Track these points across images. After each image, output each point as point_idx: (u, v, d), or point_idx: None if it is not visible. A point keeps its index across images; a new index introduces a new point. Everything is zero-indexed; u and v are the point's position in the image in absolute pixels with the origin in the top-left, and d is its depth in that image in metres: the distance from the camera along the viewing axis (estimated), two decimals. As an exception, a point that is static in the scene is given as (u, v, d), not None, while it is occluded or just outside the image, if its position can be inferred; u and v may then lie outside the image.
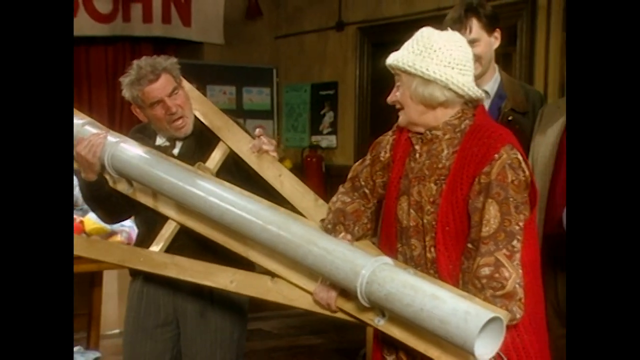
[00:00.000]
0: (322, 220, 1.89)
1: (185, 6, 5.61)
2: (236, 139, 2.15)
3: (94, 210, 2.36)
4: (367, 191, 1.87)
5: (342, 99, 5.64)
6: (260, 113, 5.79)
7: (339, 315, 1.82)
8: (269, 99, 5.94)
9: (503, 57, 5.68)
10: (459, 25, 2.25)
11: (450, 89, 1.69)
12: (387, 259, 1.71)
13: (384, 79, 6.29)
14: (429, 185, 1.71)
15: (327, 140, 5.72)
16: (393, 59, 1.74)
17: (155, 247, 2.14)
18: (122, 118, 5.47)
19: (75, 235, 2.32)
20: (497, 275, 1.57)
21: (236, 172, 2.15)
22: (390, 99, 1.77)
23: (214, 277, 2.01)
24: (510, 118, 2.30)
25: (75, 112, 2.30)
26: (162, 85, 2.10)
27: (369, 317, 1.73)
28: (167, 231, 2.15)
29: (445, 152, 1.72)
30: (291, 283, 1.90)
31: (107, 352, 4.14)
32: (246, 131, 2.18)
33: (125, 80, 2.12)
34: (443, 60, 1.69)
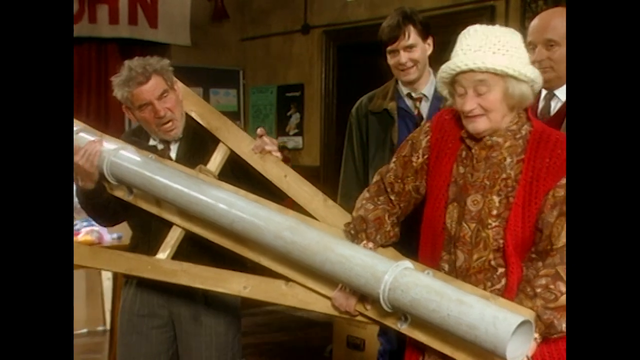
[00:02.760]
0: (347, 225, 1.83)
1: (152, 8, 5.62)
2: (236, 140, 2.08)
3: (91, 216, 2.30)
4: (392, 197, 1.79)
5: (308, 100, 5.72)
6: (227, 114, 5.74)
7: (359, 318, 1.79)
8: (235, 100, 5.99)
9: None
10: (398, 31, 2.39)
11: (533, 88, 1.64)
12: (408, 264, 1.66)
13: (350, 81, 6.33)
14: (490, 197, 1.62)
15: (293, 142, 5.79)
16: (481, 63, 1.59)
17: (162, 255, 2.09)
18: (87, 120, 5.44)
19: (79, 245, 2.21)
20: (552, 286, 1.54)
21: (232, 173, 2.11)
22: (470, 106, 1.63)
23: (226, 283, 1.96)
24: None
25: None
26: (151, 87, 2.05)
27: (391, 321, 1.70)
28: (173, 238, 2.09)
29: (509, 160, 1.64)
30: (307, 288, 1.85)
31: (76, 351, 4.13)
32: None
33: (115, 80, 2.08)
34: (524, 59, 1.64)
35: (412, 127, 2.49)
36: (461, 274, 1.65)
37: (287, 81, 5.87)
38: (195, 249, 2.10)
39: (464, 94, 1.65)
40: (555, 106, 2.17)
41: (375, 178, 1.85)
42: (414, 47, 2.41)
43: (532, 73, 1.63)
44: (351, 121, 2.62)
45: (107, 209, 2.21)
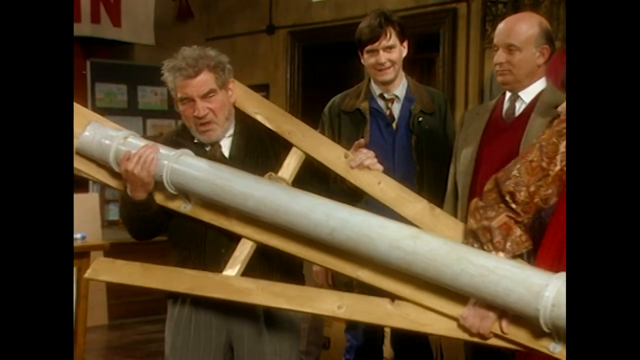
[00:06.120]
0: (464, 241, 1.63)
1: (115, 6, 5.57)
2: (315, 144, 1.90)
3: (131, 229, 2.03)
4: (513, 206, 1.56)
5: (273, 100, 5.65)
6: (191, 114, 5.80)
7: (492, 341, 1.56)
8: (200, 100, 5.96)
9: (427, 63, 5.94)
10: (379, 31, 2.44)
11: None
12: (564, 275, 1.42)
13: (315, 81, 6.35)
14: None
15: (258, 141, 5.79)
16: None
17: (231, 272, 1.86)
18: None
19: (129, 263, 1.95)
20: None
21: (310, 178, 1.93)
22: None
23: (316, 302, 1.75)
24: (420, 119, 2.51)
25: (108, 121, 2.06)
26: (198, 84, 1.87)
27: (540, 344, 1.49)
28: (243, 253, 1.87)
29: None
30: (424, 307, 1.63)
31: None
32: None
33: (166, 64, 1.91)
34: None
35: (383, 127, 2.53)
36: None
37: (252, 81, 5.84)
38: (263, 264, 1.91)
39: None
40: (519, 107, 2.21)
41: (488, 186, 1.63)
42: (393, 47, 2.46)
43: None
44: (323, 120, 2.65)
45: (153, 221, 1.96)
